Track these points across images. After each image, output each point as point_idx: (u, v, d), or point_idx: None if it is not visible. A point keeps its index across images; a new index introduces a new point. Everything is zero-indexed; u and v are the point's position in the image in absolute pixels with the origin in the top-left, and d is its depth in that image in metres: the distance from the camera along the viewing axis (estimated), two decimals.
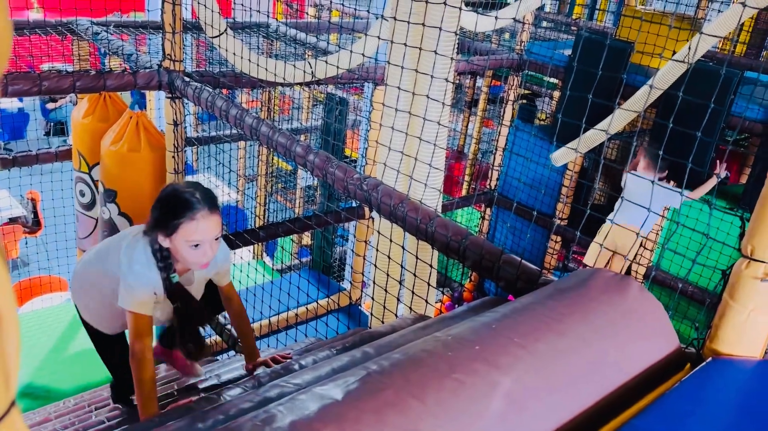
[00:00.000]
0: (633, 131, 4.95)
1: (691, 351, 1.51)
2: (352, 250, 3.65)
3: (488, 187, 6.32)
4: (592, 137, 4.34)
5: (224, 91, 3.87)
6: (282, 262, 7.11)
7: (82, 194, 4.33)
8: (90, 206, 4.33)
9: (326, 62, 2.95)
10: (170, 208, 1.99)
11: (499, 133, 5.95)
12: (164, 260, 2.07)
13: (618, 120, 4.08)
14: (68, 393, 4.19)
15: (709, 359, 1.42)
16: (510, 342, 1.26)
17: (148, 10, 4.30)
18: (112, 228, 3.93)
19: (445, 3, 1.90)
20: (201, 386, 2.56)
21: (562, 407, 1.21)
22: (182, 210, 1.95)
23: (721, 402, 1.28)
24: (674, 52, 4.63)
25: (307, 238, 7.51)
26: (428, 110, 2.02)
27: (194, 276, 2.22)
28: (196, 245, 1.96)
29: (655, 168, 4.03)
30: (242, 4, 3.08)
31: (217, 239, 2.02)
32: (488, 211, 6.51)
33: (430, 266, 2.12)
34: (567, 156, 4.76)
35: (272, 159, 7.00)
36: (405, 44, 2.01)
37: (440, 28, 1.89)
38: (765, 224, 1.34)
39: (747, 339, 1.41)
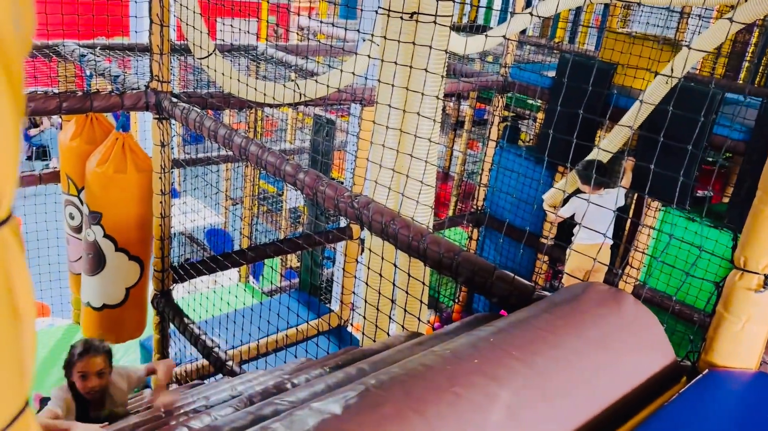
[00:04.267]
0: (621, 150, 5.02)
1: (686, 363, 1.51)
2: (343, 268, 3.63)
3: (475, 207, 6.34)
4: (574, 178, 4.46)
5: (208, 112, 3.86)
6: (272, 283, 7.07)
7: (72, 217, 4.28)
8: (80, 229, 4.28)
9: (316, 81, 2.97)
10: None
11: (485, 153, 6.00)
12: None
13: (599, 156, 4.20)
14: None
15: (706, 371, 1.42)
16: (507, 355, 1.26)
17: (135, 31, 4.29)
18: (96, 251, 3.87)
19: (435, 22, 1.92)
20: (190, 408, 2.51)
21: (560, 419, 1.20)
22: None
23: (720, 414, 1.28)
24: (656, 73, 4.72)
25: (294, 260, 7.47)
26: (419, 127, 2.03)
27: None
28: None
29: (590, 186, 4.25)
30: (231, 26, 3.09)
31: None
32: (476, 231, 6.52)
33: (422, 283, 2.12)
34: (555, 196, 4.85)
35: (257, 181, 6.99)
36: (395, 63, 2.02)
37: (431, 47, 1.91)
38: (757, 236, 1.36)
39: (742, 350, 1.41)
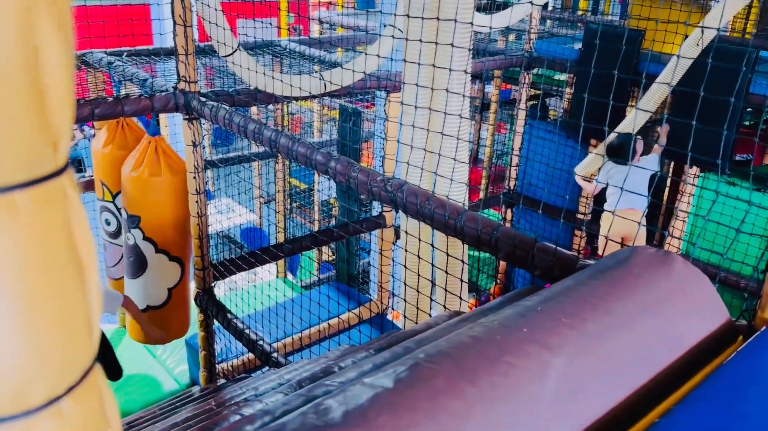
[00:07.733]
0: (652, 120, 4.91)
1: (742, 323, 1.47)
2: (379, 252, 3.63)
3: (507, 187, 6.28)
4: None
5: None
6: (311, 273, 7.13)
7: (108, 223, 4.37)
8: (116, 234, 4.37)
9: (342, 68, 2.96)
10: None
11: (515, 131, 5.92)
12: None
13: (632, 120, 4.10)
14: None
15: (763, 328, 1.38)
16: (558, 323, 1.23)
17: (161, 34, 4.34)
18: (137, 254, 3.94)
19: None
20: (240, 398, 2.54)
21: (617, 385, 1.18)
22: None
23: None
24: (686, 36, 4.59)
25: (328, 253, 7.51)
26: (449, 104, 2.01)
27: None
28: None
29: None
30: (253, 21, 3.10)
31: None
32: (509, 212, 6.46)
33: (462, 262, 2.10)
34: (588, 166, 4.75)
35: (287, 178, 7.03)
36: (420, 40, 2.00)
37: (455, 20, 1.88)
38: None
39: None
